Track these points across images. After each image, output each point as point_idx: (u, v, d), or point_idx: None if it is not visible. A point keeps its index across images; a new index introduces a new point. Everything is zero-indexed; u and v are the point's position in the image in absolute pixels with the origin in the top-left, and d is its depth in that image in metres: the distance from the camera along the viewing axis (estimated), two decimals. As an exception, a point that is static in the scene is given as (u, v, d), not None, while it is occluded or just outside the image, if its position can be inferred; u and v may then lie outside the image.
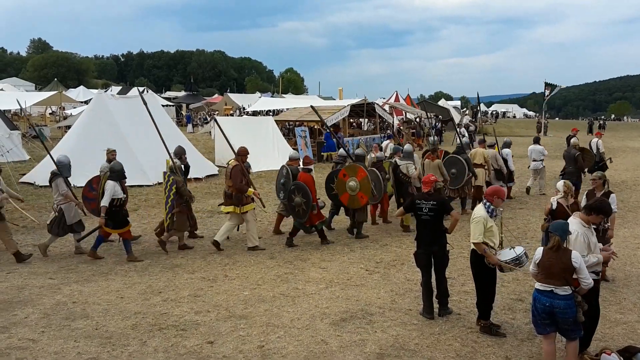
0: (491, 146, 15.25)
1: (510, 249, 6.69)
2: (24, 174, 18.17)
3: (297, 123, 28.09)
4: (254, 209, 10.95)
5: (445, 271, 7.43)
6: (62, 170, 10.31)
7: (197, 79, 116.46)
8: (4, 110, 29.04)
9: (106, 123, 17.43)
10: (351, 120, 34.23)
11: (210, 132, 30.49)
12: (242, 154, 10.79)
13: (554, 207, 7.96)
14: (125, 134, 17.01)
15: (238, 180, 10.45)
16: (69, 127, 24.51)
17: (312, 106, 17.56)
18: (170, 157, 11.03)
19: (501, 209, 7.07)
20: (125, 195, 10.08)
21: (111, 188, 9.71)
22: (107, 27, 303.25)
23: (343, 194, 11.46)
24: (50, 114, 43.31)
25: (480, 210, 6.67)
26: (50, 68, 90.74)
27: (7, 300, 7.94)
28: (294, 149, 23.97)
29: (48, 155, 12.14)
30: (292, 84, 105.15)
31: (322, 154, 25.54)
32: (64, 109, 41.20)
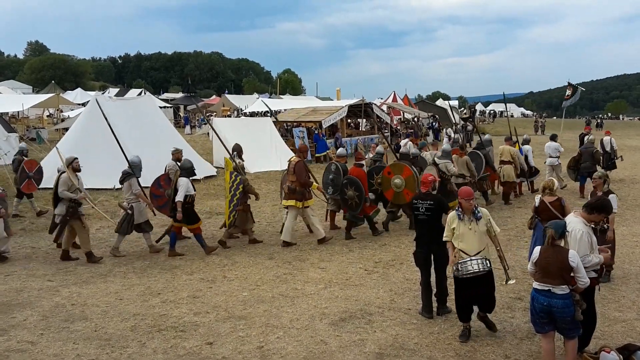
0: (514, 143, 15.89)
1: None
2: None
3: (295, 124, 28.07)
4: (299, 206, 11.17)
5: (445, 270, 7.42)
6: (135, 170, 10.59)
7: (195, 81, 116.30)
8: (2, 113, 28.97)
9: (103, 125, 17.39)
10: (349, 120, 34.23)
11: (208, 133, 30.47)
12: (302, 150, 11.55)
13: (537, 204, 8.03)
14: (122, 136, 16.96)
15: (304, 175, 10.91)
16: (66, 129, 24.47)
17: (363, 98, 17.46)
18: (232, 156, 11.34)
19: (480, 215, 6.53)
20: (195, 192, 10.49)
21: (185, 184, 10.12)
22: (104, 29, 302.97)
23: (388, 190, 11.90)
24: (47, 116, 43.27)
25: (454, 211, 6.69)
26: (48, 70, 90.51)
27: (6, 303, 7.94)
28: (291, 149, 24.02)
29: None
30: (290, 84, 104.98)
31: (316, 155, 25.47)
32: (61, 111, 41.15)
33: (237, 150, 11.89)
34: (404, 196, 11.60)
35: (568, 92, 28.45)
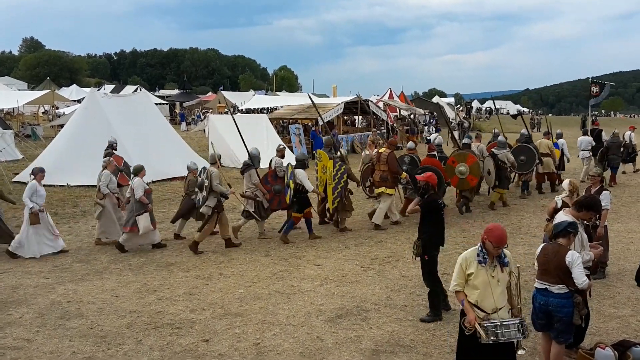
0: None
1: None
2: (17, 173, 18.06)
3: (291, 120, 28.05)
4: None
5: None
6: (254, 161, 11.22)
7: (191, 77, 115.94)
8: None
9: (99, 121, 17.37)
10: (345, 117, 34.22)
11: (204, 130, 30.44)
12: (393, 143, 12.98)
13: (559, 205, 7.82)
14: (118, 132, 16.94)
15: (396, 165, 11.96)
16: (61, 126, 24.41)
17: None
18: (336, 147, 12.33)
19: (508, 260, 5.10)
20: None
21: (305, 175, 11.05)
22: (99, 26, 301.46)
23: (452, 177, 13.13)
24: (43, 113, 43.15)
25: (469, 250, 5.20)
26: (43, 67, 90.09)
27: (2, 300, 7.92)
28: (288, 146, 24.01)
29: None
30: (286, 81, 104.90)
31: (313, 152, 25.44)
32: (56, 107, 41.03)
33: (331, 145, 12.42)
34: (468, 182, 13.14)
35: (595, 89, 28.85)
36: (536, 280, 5.61)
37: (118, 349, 6.35)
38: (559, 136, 17.81)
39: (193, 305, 7.68)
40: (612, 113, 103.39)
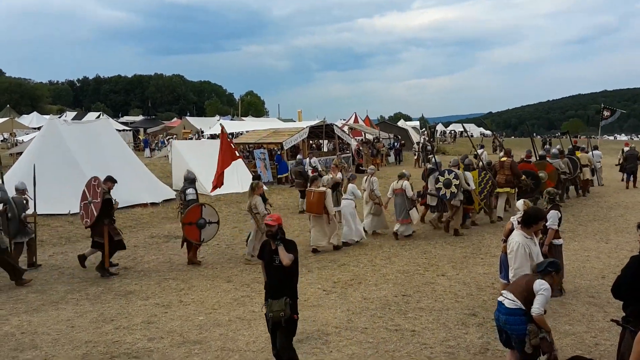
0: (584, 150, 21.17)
1: None
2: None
3: (256, 145, 28.03)
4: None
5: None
6: (438, 167, 14.16)
7: (156, 103, 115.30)
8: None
9: (58, 148, 17.06)
10: (311, 142, 34.37)
11: (167, 156, 30.17)
12: (509, 153, 16.04)
13: (515, 226, 7.90)
14: (78, 159, 16.67)
15: (517, 170, 14.98)
16: (20, 153, 23.89)
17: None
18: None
19: None
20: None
21: (471, 176, 13.84)
22: (62, 53, 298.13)
23: None
24: (1, 141, 42.24)
25: None
26: (3, 95, 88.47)
27: (-49, 334, 7.65)
28: (252, 171, 23.95)
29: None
30: (253, 106, 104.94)
31: (279, 176, 25.43)
32: (14, 135, 40.21)
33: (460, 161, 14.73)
34: (547, 185, 15.02)
35: (606, 113, 32.72)
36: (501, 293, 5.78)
37: (72, 380, 6.19)
38: (595, 148, 21.84)
39: (151, 334, 7.55)
40: (565, 135, 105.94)
